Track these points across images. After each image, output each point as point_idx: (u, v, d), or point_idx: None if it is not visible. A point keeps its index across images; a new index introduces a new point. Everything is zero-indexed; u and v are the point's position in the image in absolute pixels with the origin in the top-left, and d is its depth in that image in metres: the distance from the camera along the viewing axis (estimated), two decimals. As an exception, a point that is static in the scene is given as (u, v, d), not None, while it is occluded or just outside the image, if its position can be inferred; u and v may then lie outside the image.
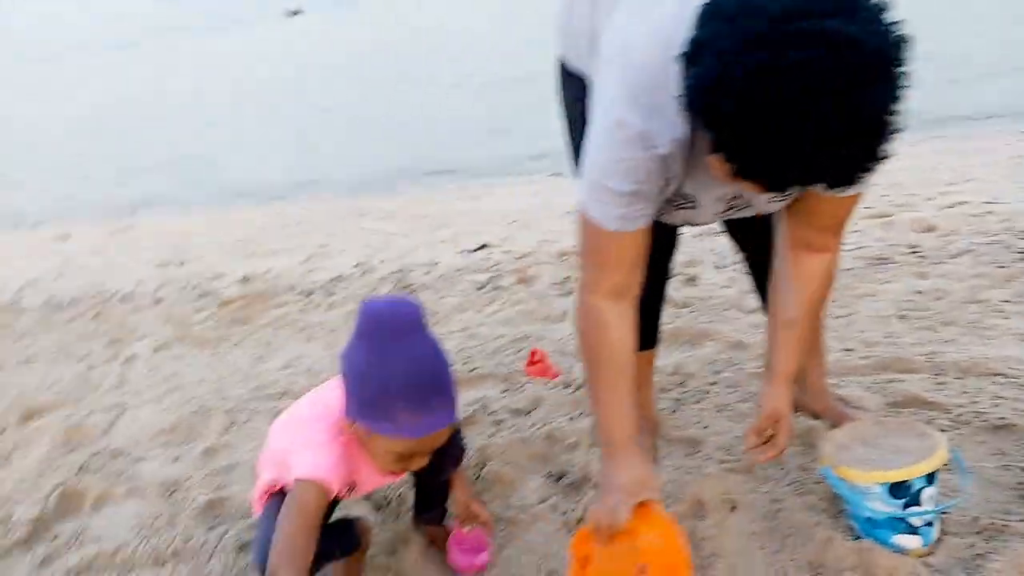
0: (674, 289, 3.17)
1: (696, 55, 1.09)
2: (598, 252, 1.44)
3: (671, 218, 1.54)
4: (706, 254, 3.67)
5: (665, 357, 2.54)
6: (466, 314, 3.28)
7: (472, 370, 2.66)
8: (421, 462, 1.43)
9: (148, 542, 1.93)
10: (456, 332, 3.07)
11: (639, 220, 1.39)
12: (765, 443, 1.61)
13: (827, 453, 1.55)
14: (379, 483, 1.59)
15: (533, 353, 2.62)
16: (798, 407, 2.04)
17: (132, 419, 2.71)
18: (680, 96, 1.13)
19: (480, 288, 3.60)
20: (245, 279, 4.37)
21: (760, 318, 2.74)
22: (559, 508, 1.84)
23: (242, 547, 1.87)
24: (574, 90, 1.67)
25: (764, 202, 1.47)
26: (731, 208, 1.51)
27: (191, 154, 11.76)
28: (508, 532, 1.78)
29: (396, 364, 1.31)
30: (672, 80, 1.17)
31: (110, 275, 5.16)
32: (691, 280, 3.30)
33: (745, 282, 3.16)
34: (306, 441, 1.44)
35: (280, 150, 10.90)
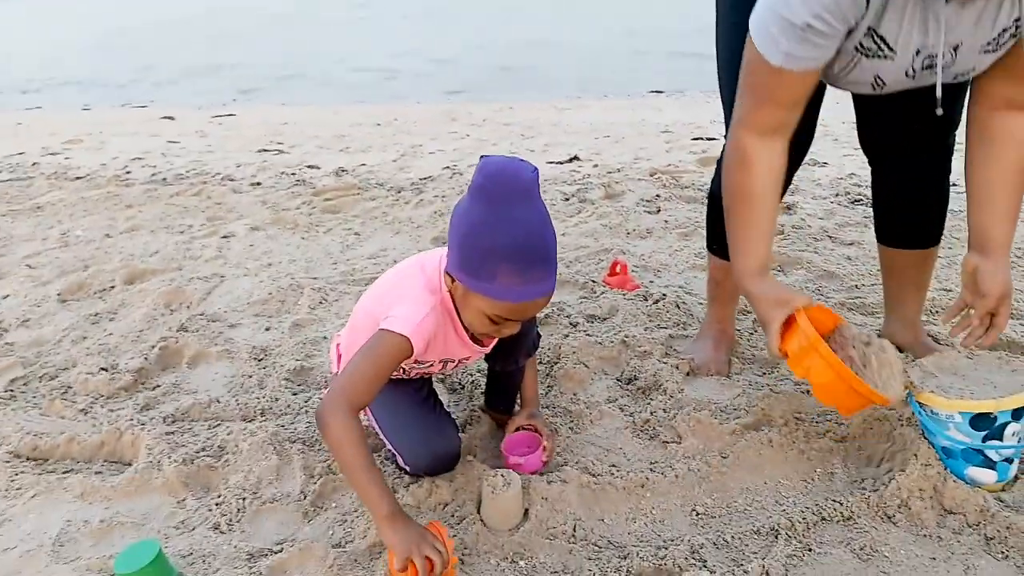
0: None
1: None
2: (757, 85, 1.39)
3: (859, 74, 1.39)
4: (807, 184, 3.52)
5: (749, 280, 2.50)
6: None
7: (552, 275, 2.67)
8: (512, 329, 1.42)
9: (238, 399, 2.07)
10: (539, 238, 3.07)
11: (807, 62, 1.32)
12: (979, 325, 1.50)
13: (911, 378, 1.50)
14: (460, 353, 1.58)
15: (614, 264, 2.61)
16: (885, 336, 1.99)
17: (228, 289, 2.86)
18: None
19: (566, 199, 3.58)
20: (339, 171, 4.47)
21: (854, 251, 2.66)
22: (626, 409, 1.86)
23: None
24: None
25: (968, 57, 1.33)
26: (928, 68, 1.36)
27: (296, 44, 11.89)
28: (575, 424, 1.83)
29: (508, 225, 1.28)
30: None
31: (212, 157, 5.37)
32: (788, 208, 3.19)
33: (843, 215, 3.07)
34: (400, 295, 1.46)
35: (372, 50, 10.90)
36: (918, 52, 1.32)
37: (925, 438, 1.53)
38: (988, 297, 1.46)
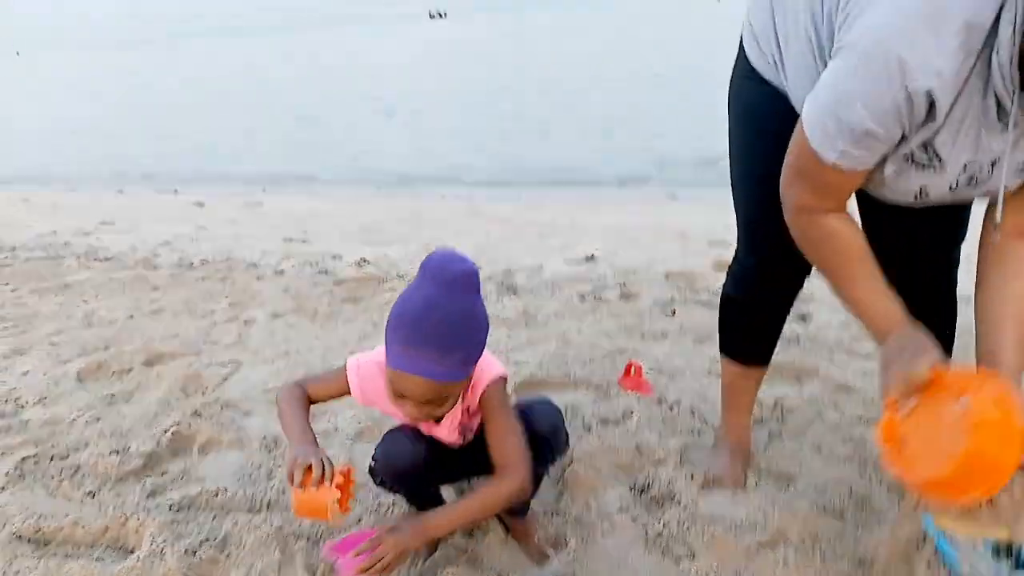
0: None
1: None
2: (815, 179, 1.40)
3: (904, 183, 1.40)
4: (822, 293, 3.54)
5: (766, 390, 2.46)
6: (565, 321, 3.30)
7: (565, 375, 2.68)
8: (412, 411, 1.50)
9: (245, 489, 2.06)
10: (553, 336, 3.09)
11: (860, 162, 1.32)
12: None
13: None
14: (394, 413, 1.62)
15: (629, 366, 2.61)
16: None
17: (245, 376, 2.88)
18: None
19: (582, 298, 3.61)
20: (361, 262, 4.56)
21: (871, 364, 2.64)
22: (639, 520, 1.83)
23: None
24: (754, 92, 1.64)
25: (1005, 174, 1.32)
26: (969, 183, 1.37)
27: (322, 140, 12.39)
28: (586, 536, 1.79)
29: (413, 298, 1.42)
30: (951, 6, 1.13)
31: (238, 244, 5.50)
32: (803, 317, 3.19)
33: (859, 326, 3.06)
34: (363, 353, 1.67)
35: (401, 143, 11.32)
36: (965, 167, 1.33)
37: (946, 566, 1.48)
38: None
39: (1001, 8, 1.14)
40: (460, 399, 1.59)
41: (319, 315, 3.57)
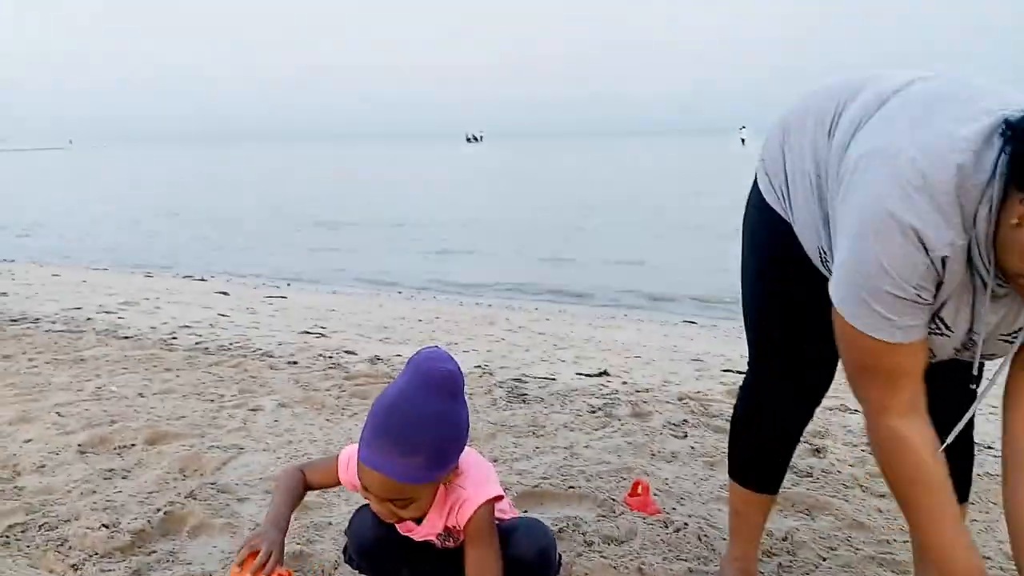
0: (797, 456, 3.01)
1: None
2: (879, 369, 1.32)
3: None
4: (837, 429, 3.48)
5: (776, 522, 2.40)
6: (574, 433, 3.25)
7: (569, 488, 2.61)
8: (376, 507, 1.46)
9: (231, 576, 1.98)
10: (560, 448, 3.04)
11: (916, 331, 1.28)
12: None
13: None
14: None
15: (636, 484, 2.55)
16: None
17: (244, 462, 2.84)
18: (1008, 168, 1.13)
19: (592, 412, 3.57)
20: (374, 359, 4.58)
21: (886, 503, 2.56)
22: (636, 646, 1.73)
23: (315, 603, 1.88)
24: (765, 222, 1.67)
25: (992, 343, 1.35)
26: (965, 348, 1.38)
27: (347, 244, 12.72)
28: (579, 657, 1.69)
29: (391, 393, 1.41)
30: (956, 180, 1.16)
31: (256, 333, 5.56)
32: (817, 451, 3.12)
33: (875, 464, 2.99)
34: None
35: (423, 253, 11.57)
36: (967, 332, 1.34)
37: None
38: None
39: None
40: (441, 507, 1.55)
41: (326, 407, 3.55)
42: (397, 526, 1.61)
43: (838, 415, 3.64)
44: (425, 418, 1.37)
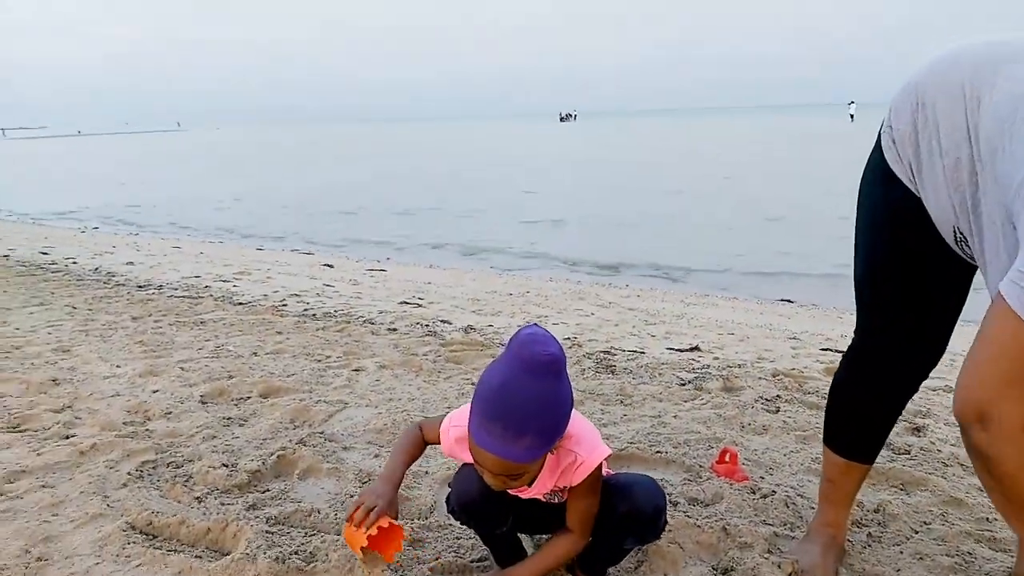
0: (895, 434, 2.95)
1: None
2: None
3: None
4: (940, 409, 3.36)
5: (869, 495, 2.37)
6: (662, 403, 3.28)
7: (656, 452, 2.65)
8: (489, 480, 1.52)
9: (337, 513, 2.15)
10: (648, 417, 3.08)
11: None
12: None
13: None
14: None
15: (724, 452, 2.56)
16: (1017, 574, 1.82)
17: (350, 415, 3.03)
18: None
19: (682, 384, 3.58)
20: (468, 328, 4.72)
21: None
22: (718, 599, 1.77)
23: (414, 541, 2.02)
24: (888, 195, 1.63)
25: None
26: None
27: (449, 220, 13.00)
28: (660, 605, 1.75)
29: (495, 377, 1.44)
30: None
31: (359, 302, 5.82)
32: (917, 430, 3.03)
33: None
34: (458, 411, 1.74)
35: (521, 229, 11.68)
36: None
37: None
38: None
39: None
40: (554, 469, 1.62)
41: (424, 370, 3.71)
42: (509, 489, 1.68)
43: (941, 395, 3.50)
44: (533, 402, 1.41)
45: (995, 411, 1.24)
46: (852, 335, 1.87)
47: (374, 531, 1.63)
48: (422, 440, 1.82)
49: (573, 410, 1.68)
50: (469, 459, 1.67)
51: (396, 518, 1.71)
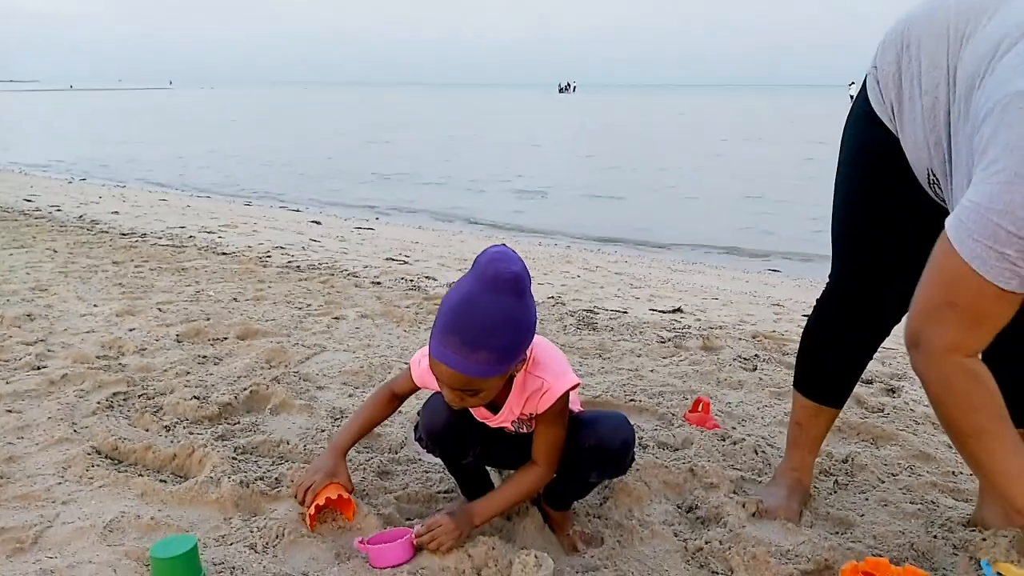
0: (870, 394, 2.96)
1: None
2: (975, 311, 1.28)
3: None
4: (913, 373, 3.37)
5: (839, 445, 2.38)
6: (640, 359, 3.28)
7: (630, 401, 2.65)
8: (447, 395, 1.52)
9: (306, 445, 2.14)
10: (625, 370, 3.08)
11: None
12: None
13: (990, 547, 1.37)
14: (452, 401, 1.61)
15: (697, 402, 2.56)
16: (977, 521, 1.83)
17: (326, 359, 3.02)
18: None
19: (662, 342, 3.58)
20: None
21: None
22: (681, 535, 1.78)
23: (382, 473, 2.01)
24: (870, 136, 1.62)
25: None
26: None
27: (444, 184, 12.92)
28: (623, 539, 1.76)
29: (458, 295, 1.43)
30: None
31: (344, 257, 5.79)
32: (891, 391, 3.04)
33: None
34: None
35: (513, 197, 11.63)
36: None
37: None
38: None
39: None
40: (520, 395, 1.61)
41: (404, 321, 3.70)
42: (473, 413, 1.69)
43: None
44: (490, 318, 1.40)
45: (923, 335, 1.34)
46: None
47: (312, 511, 1.67)
48: (391, 397, 1.83)
49: (545, 340, 1.67)
50: (434, 381, 1.66)
51: (350, 484, 1.74)
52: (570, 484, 1.75)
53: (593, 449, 1.64)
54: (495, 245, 1.48)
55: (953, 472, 2.24)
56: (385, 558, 1.56)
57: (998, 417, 1.34)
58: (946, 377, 1.35)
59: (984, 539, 1.58)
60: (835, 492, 2.07)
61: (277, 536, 1.64)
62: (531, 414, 1.64)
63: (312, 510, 1.67)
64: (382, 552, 1.56)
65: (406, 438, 2.23)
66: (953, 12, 1.44)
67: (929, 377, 1.38)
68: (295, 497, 1.73)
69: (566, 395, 1.61)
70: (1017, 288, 1.22)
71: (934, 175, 1.52)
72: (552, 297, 4.54)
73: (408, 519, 1.78)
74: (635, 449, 2.15)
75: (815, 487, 2.05)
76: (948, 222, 1.28)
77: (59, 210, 7.69)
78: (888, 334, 1.84)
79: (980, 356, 1.37)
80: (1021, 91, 1.21)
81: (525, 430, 1.71)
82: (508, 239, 8.21)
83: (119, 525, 1.66)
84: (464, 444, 1.73)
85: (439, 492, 1.93)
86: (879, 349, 3.55)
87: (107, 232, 6.31)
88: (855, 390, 2.90)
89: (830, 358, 1.90)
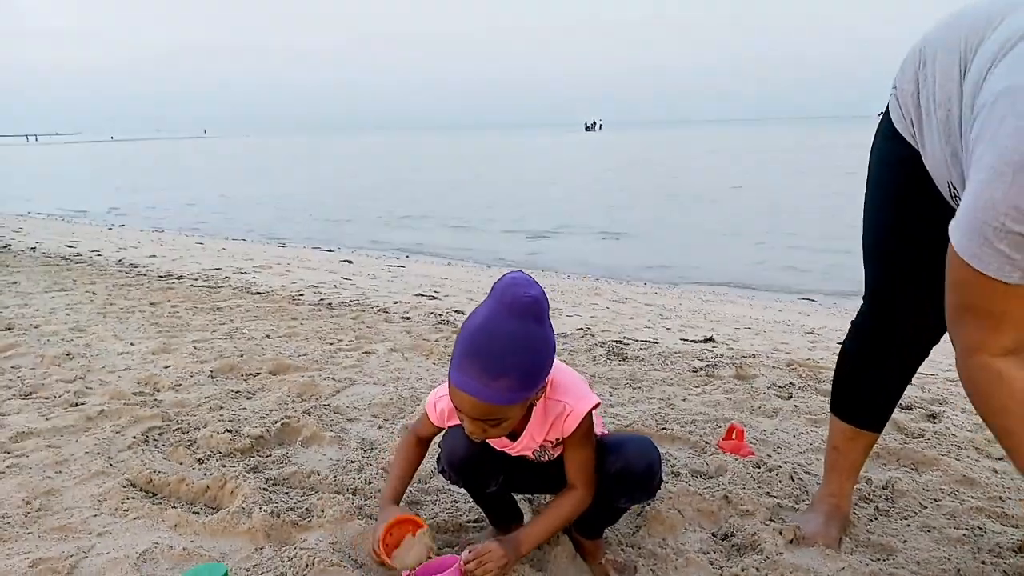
0: (911, 420, 2.89)
1: None
2: (985, 310, 1.30)
3: None
4: (956, 398, 3.28)
5: (879, 471, 2.32)
6: (672, 388, 3.24)
7: (662, 429, 2.62)
8: (467, 426, 1.49)
9: (336, 476, 2.15)
10: (656, 399, 3.04)
11: None
12: None
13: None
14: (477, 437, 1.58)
15: (731, 429, 2.52)
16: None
17: (357, 392, 3.03)
18: None
19: (694, 371, 3.54)
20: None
21: (1002, 465, 2.41)
22: (716, 563, 1.74)
23: (411, 504, 2.01)
24: (893, 153, 1.63)
25: None
26: None
27: (472, 220, 13.03)
28: (657, 568, 1.72)
29: (478, 321, 1.42)
30: None
31: (375, 294, 5.84)
32: (932, 416, 2.96)
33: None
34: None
35: (543, 230, 11.69)
36: None
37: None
38: None
39: None
40: (542, 422, 1.60)
41: (434, 354, 3.71)
42: (491, 443, 1.67)
43: (959, 386, 3.42)
44: (510, 343, 1.39)
45: (953, 339, 1.39)
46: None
47: (380, 548, 1.62)
48: (417, 442, 1.83)
49: (561, 364, 1.66)
50: (455, 416, 1.66)
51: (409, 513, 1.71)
52: (599, 510, 1.72)
53: (619, 474, 1.62)
54: (512, 271, 1.48)
55: (1000, 497, 2.16)
56: None
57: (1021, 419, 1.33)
58: (972, 379, 1.37)
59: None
60: (876, 519, 2.01)
61: (307, 565, 1.64)
62: (556, 440, 1.63)
63: (383, 548, 1.62)
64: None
65: (434, 470, 2.22)
66: (968, 24, 1.44)
67: (961, 379, 1.41)
68: (375, 559, 1.64)
69: (590, 415, 1.60)
70: (1020, 281, 1.22)
71: (954, 188, 1.50)
72: (581, 329, 4.52)
73: (440, 549, 1.77)
74: (666, 475, 2.14)
75: (854, 514, 1.99)
76: (950, 226, 1.30)
77: (99, 255, 7.90)
78: (927, 354, 1.80)
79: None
80: (1009, 88, 1.22)
81: (547, 458, 1.69)
82: (536, 272, 8.23)
83: (152, 556, 1.68)
84: (486, 474, 1.72)
85: (468, 521, 1.92)
86: (918, 375, 3.49)
87: (145, 275, 6.45)
88: (894, 416, 2.86)
89: (866, 380, 1.86)
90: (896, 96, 1.61)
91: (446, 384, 1.69)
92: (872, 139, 1.76)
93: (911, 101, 1.55)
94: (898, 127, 1.61)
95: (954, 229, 1.29)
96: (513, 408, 1.47)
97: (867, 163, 1.78)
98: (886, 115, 1.68)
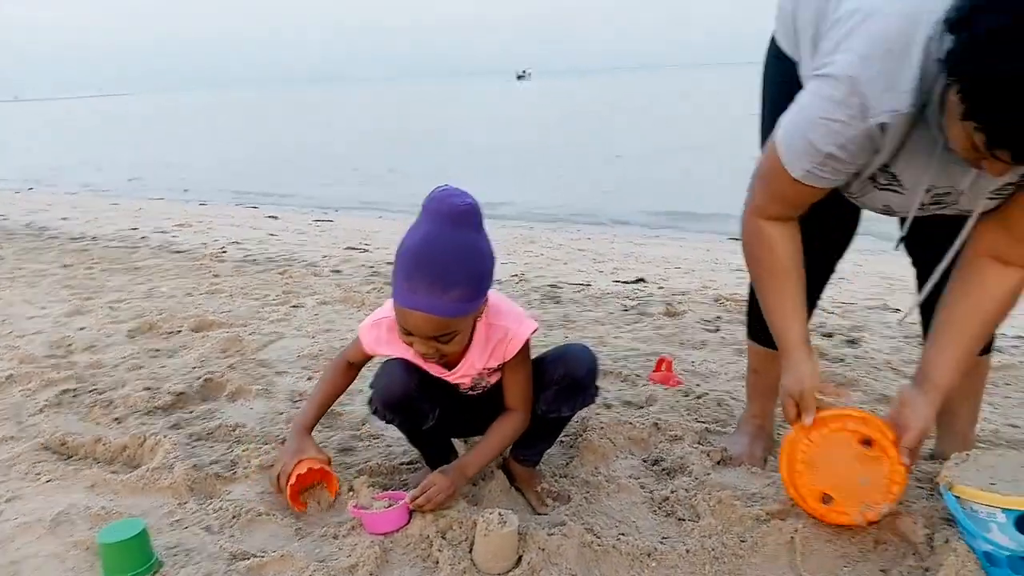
0: (831, 345, 2.99)
1: (968, 19, 1.08)
2: (774, 188, 1.47)
3: (870, 199, 1.49)
4: (876, 324, 3.41)
5: (800, 395, 2.39)
6: (604, 327, 3.27)
7: (596, 366, 2.63)
8: (419, 348, 1.46)
9: (264, 428, 2.09)
10: (589, 338, 3.06)
11: (824, 181, 1.40)
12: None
13: (946, 471, 1.38)
14: (417, 361, 1.60)
15: (660, 361, 2.56)
16: (937, 454, 1.86)
17: (284, 345, 2.95)
18: (943, 59, 1.12)
19: (625, 310, 3.58)
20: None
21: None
22: (647, 487, 1.77)
23: (344, 450, 1.97)
24: (781, 71, 1.66)
25: (972, 199, 1.36)
26: (936, 203, 1.42)
27: (407, 174, 12.79)
28: (590, 495, 1.74)
29: (414, 234, 1.40)
30: (912, 50, 1.19)
31: (303, 249, 5.69)
32: (852, 342, 3.07)
33: (911, 353, 2.94)
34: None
35: (476, 182, 11.58)
36: (928, 190, 1.38)
37: (964, 540, 1.38)
38: (908, 431, 1.43)
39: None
40: (484, 347, 1.58)
41: (365, 305, 3.64)
42: (432, 371, 1.63)
43: (877, 313, 3.56)
44: (456, 253, 1.37)
45: (749, 192, 1.55)
46: None
47: (289, 492, 1.63)
48: (347, 367, 1.78)
49: (494, 291, 1.64)
50: (392, 353, 1.63)
51: (323, 455, 1.70)
52: (539, 428, 1.72)
53: (564, 379, 1.64)
54: (440, 186, 1.44)
55: (914, 412, 2.26)
56: (382, 523, 1.53)
57: (776, 273, 1.55)
58: (745, 230, 1.58)
59: (942, 467, 1.60)
60: (799, 438, 2.07)
61: (234, 516, 1.60)
62: (497, 365, 1.62)
63: (289, 491, 1.61)
64: (378, 517, 1.53)
65: (367, 415, 2.18)
66: None
67: (741, 234, 1.61)
68: (274, 488, 1.68)
69: (529, 342, 1.61)
70: (802, 178, 1.39)
71: None
72: (515, 275, 4.51)
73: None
74: (598, 407, 2.16)
75: (778, 433, 2.05)
76: (781, 117, 1.42)
77: (5, 219, 7.45)
78: (832, 270, 1.85)
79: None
80: (851, 9, 1.30)
81: (484, 386, 1.68)
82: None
83: (68, 517, 1.60)
84: (422, 407, 1.67)
85: (402, 464, 1.90)
86: (838, 304, 3.59)
87: (56, 238, 6.12)
88: (817, 343, 2.95)
89: None
90: (779, 18, 1.68)
91: (380, 311, 1.67)
92: (763, 64, 1.78)
93: (790, 20, 1.61)
94: (781, 44, 1.68)
95: (783, 115, 1.42)
96: (466, 319, 1.47)
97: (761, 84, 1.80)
98: (772, 40, 1.73)
